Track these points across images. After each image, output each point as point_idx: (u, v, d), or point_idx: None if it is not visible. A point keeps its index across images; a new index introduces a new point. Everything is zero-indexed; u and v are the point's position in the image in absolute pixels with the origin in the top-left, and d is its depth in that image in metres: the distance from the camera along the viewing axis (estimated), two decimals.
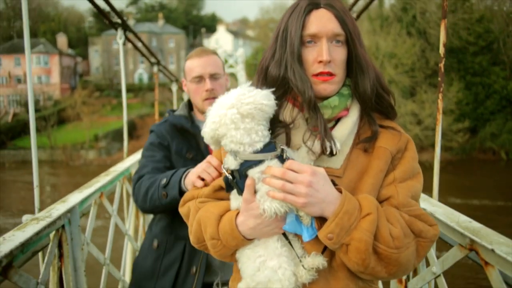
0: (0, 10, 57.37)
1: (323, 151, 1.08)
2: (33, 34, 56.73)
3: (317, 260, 1.05)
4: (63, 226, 1.59)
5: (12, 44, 50.13)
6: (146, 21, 60.29)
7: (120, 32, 3.09)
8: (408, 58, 28.32)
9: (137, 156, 3.19)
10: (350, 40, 1.12)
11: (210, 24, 77.76)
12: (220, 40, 65.00)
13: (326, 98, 1.14)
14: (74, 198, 1.86)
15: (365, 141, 1.14)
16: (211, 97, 1.84)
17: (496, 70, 29.75)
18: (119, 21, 3.02)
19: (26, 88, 33.00)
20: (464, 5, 30.18)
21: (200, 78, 1.88)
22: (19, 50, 48.88)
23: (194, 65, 1.89)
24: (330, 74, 1.12)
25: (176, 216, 1.61)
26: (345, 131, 1.14)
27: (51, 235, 1.53)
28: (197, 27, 76.16)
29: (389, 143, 1.14)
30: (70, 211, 1.66)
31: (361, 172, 1.12)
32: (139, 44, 3.75)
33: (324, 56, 1.09)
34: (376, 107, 1.17)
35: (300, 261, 1.06)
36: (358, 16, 3.79)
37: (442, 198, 1.82)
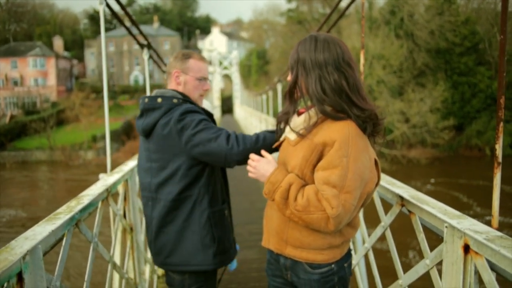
0: None
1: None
2: (29, 37, 57.30)
3: None
4: (19, 274, 1.28)
5: (9, 47, 50.55)
6: (141, 23, 60.67)
7: (145, 50, 4.01)
8: (396, 59, 28.95)
9: (125, 168, 2.96)
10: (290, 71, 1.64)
11: (205, 26, 78.34)
12: (215, 42, 65.66)
13: None
14: (40, 231, 1.51)
15: (299, 132, 1.59)
16: (203, 94, 2.21)
17: (482, 70, 30.43)
18: (145, 42, 3.95)
19: (22, 90, 33.20)
20: (450, 7, 31.01)
21: (204, 79, 2.15)
22: (16, 53, 49.32)
23: (203, 67, 2.15)
24: None
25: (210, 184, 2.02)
26: (297, 121, 1.62)
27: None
28: (192, 28, 76.65)
29: (318, 138, 1.52)
30: (31, 252, 1.33)
31: (301, 149, 1.57)
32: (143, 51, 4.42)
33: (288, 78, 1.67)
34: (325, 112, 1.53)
35: None
36: (334, 24, 4.23)
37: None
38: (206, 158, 1.92)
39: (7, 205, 21.06)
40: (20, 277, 1.29)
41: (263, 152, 1.74)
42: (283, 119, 1.74)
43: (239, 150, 1.87)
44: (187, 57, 2.12)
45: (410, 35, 30.73)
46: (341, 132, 1.48)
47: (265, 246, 1.80)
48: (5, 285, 1.22)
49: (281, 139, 1.73)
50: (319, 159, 1.52)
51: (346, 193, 1.44)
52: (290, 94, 1.64)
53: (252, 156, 1.70)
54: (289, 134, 1.66)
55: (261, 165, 1.65)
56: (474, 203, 17.88)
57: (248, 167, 1.70)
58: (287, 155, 1.62)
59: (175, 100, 2.00)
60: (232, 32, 75.06)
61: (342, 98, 1.52)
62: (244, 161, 1.89)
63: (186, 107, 1.97)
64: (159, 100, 1.99)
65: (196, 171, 1.98)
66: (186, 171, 1.96)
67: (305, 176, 1.55)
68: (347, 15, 31.38)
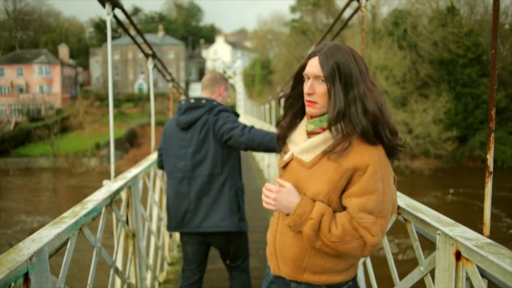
0: (2, 21, 58.22)
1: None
2: (35, 45, 57.85)
3: None
4: (26, 274, 1.33)
5: (15, 54, 51.09)
6: (146, 32, 60.82)
7: (150, 59, 4.10)
8: (399, 70, 29.11)
9: (128, 175, 2.99)
10: (325, 80, 1.43)
11: (209, 35, 78.75)
12: (219, 51, 66.00)
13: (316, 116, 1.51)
14: (46, 234, 1.57)
15: (325, 152, 1.45)
16: None
17: (485, 81, 30.47)
18: (150, 52, 4.03)
19: (28, 97, 33.78)
20: (453, 19, 31.21)
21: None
22: (21, 60, 49.85)
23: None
24: (312, 102, 1.47)
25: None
26: (313, 142, 1.48)
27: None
28: (196, 38, 77.14)
29: (348, 162, 1.40)
30: (37, 253, 1.38)
31: (322, 173, 1.45)
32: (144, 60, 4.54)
33: (306, 90, 1.48)
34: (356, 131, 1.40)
35: None
36: (337, 34, 4.32)
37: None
38: (229, 142, 2.59)
39: (33, 211, 21.51)
40: (26, 277, 1.34)
41: (278, 180, 1.58)
42: (283, 135, 1.63)
43: (246, 137, 2.54)
44: (226, 79, 2.96)
45: (413, 46, 30.90)
46: (372, 155, 1.40)
47: (274, 274, 1.67)
48: (12, 284, 1.26)
49: (287, 159, 1.59)
50: (347, 184, 1.43)
51: (382, 217, 1.40)
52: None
53: (269, 186, 1.52)
54: (301, 155, 1.53)
55: (282, 196, 1.48)
56: (502, 213, 17.68)
57: (264, 198, 1.53)
58: (302, 179, 1.50)
59: (215, 103, 2.74)
60: (236, 42, 75.43)
61: (377, 120, 1.41)
62: (250, 147, 2.56)
63: (222, 107, 2.74)
64: (203, 101, 2.71)
65: (226, 152, 2.65)
66: (220, 150, 2.63)
67: (331, 203, 1.45)
68: (351, 25, 31.62)
